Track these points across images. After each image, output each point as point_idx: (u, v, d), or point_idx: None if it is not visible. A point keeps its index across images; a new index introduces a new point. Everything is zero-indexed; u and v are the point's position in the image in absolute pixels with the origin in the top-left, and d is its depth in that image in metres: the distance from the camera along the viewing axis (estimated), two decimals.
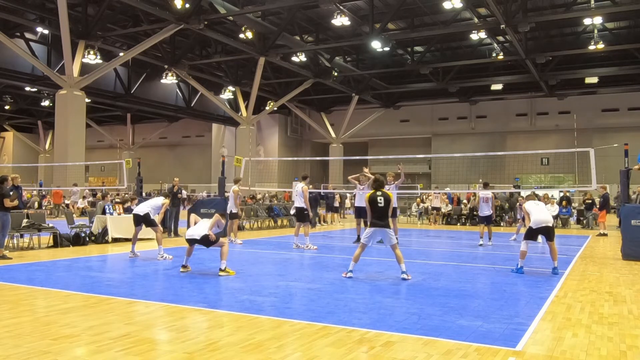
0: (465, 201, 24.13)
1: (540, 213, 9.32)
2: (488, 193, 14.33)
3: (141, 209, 10.96)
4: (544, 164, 37.35)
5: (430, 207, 24.65)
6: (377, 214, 8.29)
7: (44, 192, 28.02)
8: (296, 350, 4.65)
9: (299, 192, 12.85)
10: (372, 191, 8.52)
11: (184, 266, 9.03)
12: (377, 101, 42.13)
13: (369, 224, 8.43)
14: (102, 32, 26.49)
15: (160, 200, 11.20)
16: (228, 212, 13.69)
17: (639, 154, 12.52)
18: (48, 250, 12.06)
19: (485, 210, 14.14)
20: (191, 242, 8.99)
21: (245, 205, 20.94)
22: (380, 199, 8.30)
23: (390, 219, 9.11)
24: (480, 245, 13.93)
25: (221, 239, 9.06)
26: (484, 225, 14.27)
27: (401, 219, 25.75)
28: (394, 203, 13.23)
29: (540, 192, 25.69)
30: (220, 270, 8.73)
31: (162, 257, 10.51)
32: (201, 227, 8.98)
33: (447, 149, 42.12)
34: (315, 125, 44.59)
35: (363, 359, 4.50)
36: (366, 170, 14.78)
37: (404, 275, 8.23)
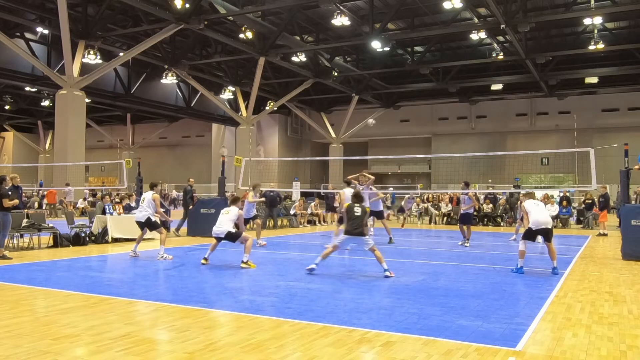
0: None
1: (540, 214, 9.25)
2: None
3: (141, 214, 10.97)
4: (544, 164, 37.36)
5: (435, 210, 24.53)
6: (353, 223, 8.77)
7: (44, 192, 28.02)
8: (296, 350, 4.65)
9: (347, 197, 12.73)
10: (350, 203, 9.16)
11: (204, 258, 9.84)
12: (377, 101, 42.14)
13: (344, 232, 8.95)
14: (102, 32, 26.48)
15: (149, 196, 11.02)
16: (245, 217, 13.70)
17: (639, 154, 12.53)
18: (48, 250, 12.06)
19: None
20: (217, 239, 9.93)
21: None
22: (357, 209, 8.87)
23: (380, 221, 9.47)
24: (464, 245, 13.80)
25: (244, 234, 9.90)
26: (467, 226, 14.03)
27: (402, 219, 25.73)
28: (379, 206, 14.39)
29: (541, 192, 25.77)
30: (242, 262, 9.49)
31: (162, 257, 10.52)
32: (223, 223, 9.84)
33: (447, 149, 42.14)
34: (315, 125, 44.58)
35: (363, 359, 4.50)
36: (365, 171, 14.74)
37: (387, 273, 8.51)
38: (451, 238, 16.71)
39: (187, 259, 10.59)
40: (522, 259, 9.23)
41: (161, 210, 11.19)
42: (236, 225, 10.22)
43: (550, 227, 9.22)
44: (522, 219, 16.06)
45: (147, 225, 10.93)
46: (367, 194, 13.46)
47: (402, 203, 23.63)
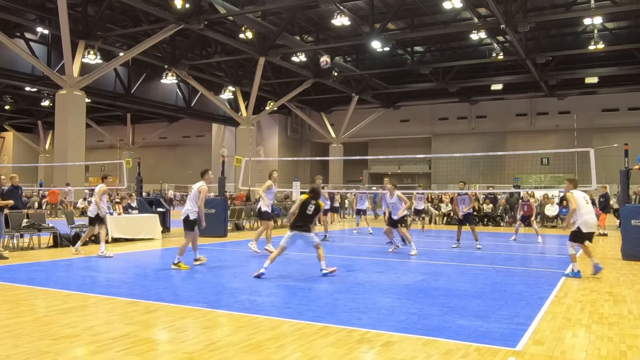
0: (447, 200, 23.95)
1: (591, 214, 8.54)
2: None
3: (92, 208, 11.22)
4: (544, 164, 37.36)
5: (435, 211, 24.23)
6: (302, 219, 8.53)
7: (44, 192, 28.01)
8: (296, 350, 4.64)
9: (397, 200, 12.23)
10: (306, 197, 8.71)
11: (196, 259, 9.56)
12: (377, 101, 42.14)
13: (290, 227, 8.68)
14: (102, 32, 26.49)
15: (97, 189, 11.35)
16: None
17: (639, 154, 12.52)
18: (48, 250, 12.05)
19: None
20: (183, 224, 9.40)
21: (245, 205, 20.93)
22: (311, 207, 8.57)
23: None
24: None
25: (188, 232, 9.32)
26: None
27: None
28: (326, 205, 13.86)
29: (541, 192, 25.71)
30: (173, 264, 9.16)
31: (102, 254, 10.73)
32: (187, 204, 9.40)
33: (447, 149, 42.13)
34: (315, 125, 44.60)
35: (363, 359, 4.50)
36: (386, 180, 14.49)
37: (325, 271, 8.44)
38: (451, 238, 16.69)
39: (187, 259, 10.57)
40: (576, 262, 8.64)
41: (100, 202, 11.12)
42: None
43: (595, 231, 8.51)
44: (522, 219, 16.12)
45: (97, 220, 11.08)
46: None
47: (416, 205, 20.36)
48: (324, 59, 19.94)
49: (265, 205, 11.73)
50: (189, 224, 9.34)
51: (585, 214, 8.50)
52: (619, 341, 5.06)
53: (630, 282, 8.44)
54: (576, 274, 8.64)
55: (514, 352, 4.66)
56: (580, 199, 8.58)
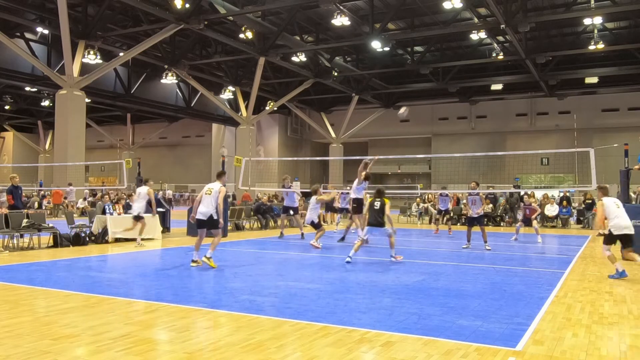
0: (464, 201, 23.91)
1: (621, 217, 8.67)
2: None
3: (139, 207, 12.97)
4: (544, 164, 37.37)
5: (435, 210, 24.05)
6: (373, 215, 10.37)
7: (44, 193, 28.01)
8: (296, 350, 4.65)
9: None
10: (371, 199, 10.62)
11: (194, 261, 9.43)
12: (377, 101, 42.14)
13: (367, 223, 10.58)
14: (102, 32, 26.48)
15: (145, 191, 13.04)
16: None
17: (639, 154, 12.53)
18: (48, 250, 12.05)
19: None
20: (200, 224, 9.43)
21: (246, 205, 20.93)
22: (377, 203, 10.39)
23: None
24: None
25: (217, 230, 9.54)
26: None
27: (401, 218, 25.77)
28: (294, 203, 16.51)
29: (541, 192, 25.71)
30: (205, 257, 9.25)
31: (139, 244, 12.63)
32: (208, 205, 9.37)
33: (447, 149, 42.14)
34: (315, 125, 44.59)
35: (363, 359, 4.50)
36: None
37: (392, 259, 10.40)
38: (451, 238, 16.73)
39: (187, 259, 10.58)
40: (616, 262, 8.72)
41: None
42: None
43: (631, 232, 8.66)
44: (523, 220, 16.14)
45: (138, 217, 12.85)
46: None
47: (438, 206, 19.88)
48: (403, 111, 19.91)
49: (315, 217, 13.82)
50: (215, 223, 9.40)
51: (615, 218, 8.67)
52: (619, 341, 5.06)
53: (630, 282, 8.45)
54: (621, 274, 8.61)
55: (514, 352, 4.66)
56: (609, 205, 8.80)
